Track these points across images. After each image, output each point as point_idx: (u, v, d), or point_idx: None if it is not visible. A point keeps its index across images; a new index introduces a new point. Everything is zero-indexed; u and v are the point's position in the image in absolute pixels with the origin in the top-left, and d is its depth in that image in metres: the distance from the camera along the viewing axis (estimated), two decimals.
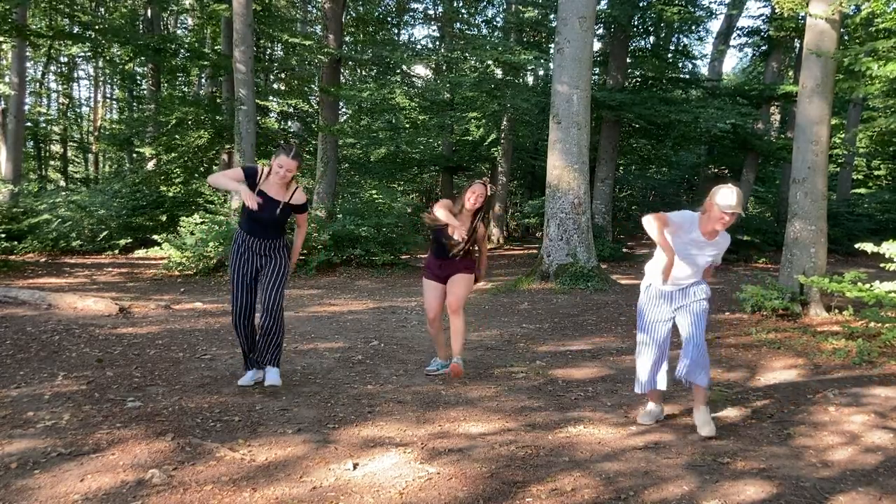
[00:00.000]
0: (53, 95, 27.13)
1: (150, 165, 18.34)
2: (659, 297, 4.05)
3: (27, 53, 17.75)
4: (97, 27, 17.19)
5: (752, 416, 4.31)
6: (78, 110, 27.88)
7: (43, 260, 12.96)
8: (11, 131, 15.03)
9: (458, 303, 4.92)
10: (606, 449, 3.68)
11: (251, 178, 4.38)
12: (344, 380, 4.93)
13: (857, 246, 6.49)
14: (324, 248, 12.03)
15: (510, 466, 3.39)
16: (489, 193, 4.87)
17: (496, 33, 20.11)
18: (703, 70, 24.76)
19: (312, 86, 20.88)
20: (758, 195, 22.63)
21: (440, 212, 4.77)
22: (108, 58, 21.92)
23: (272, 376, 4.53)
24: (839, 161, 19.69)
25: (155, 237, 13.05)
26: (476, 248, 5.09)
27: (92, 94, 27.59)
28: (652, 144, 20.90)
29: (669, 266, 3.84)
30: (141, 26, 19.74)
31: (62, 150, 25.91)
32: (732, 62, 51.86)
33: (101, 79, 26.71)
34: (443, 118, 19.95)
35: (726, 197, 3.69)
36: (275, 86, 22.90)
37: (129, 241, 14.44)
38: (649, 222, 3.82)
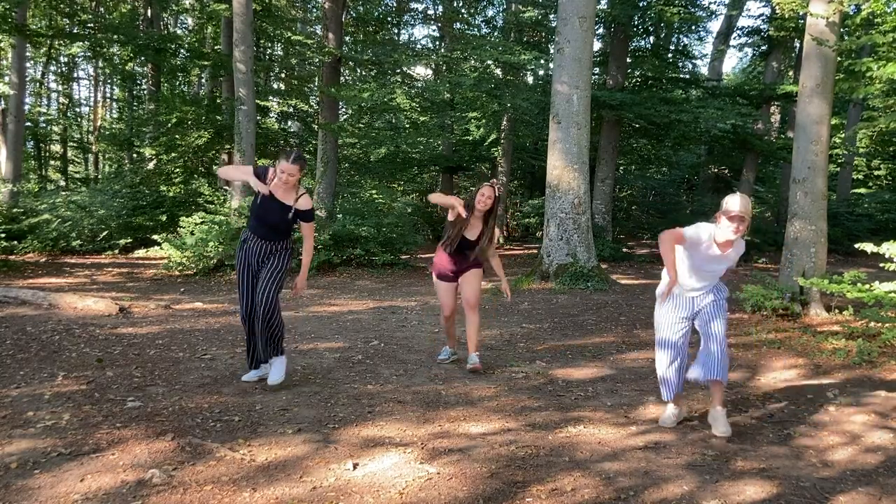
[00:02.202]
0: (53, 95, 27.11)
1: (150, 165, 18.33)
2: (676, 302, 4.05)
3: (27, 53, 17.73)
4: (97, 26, 17.18)
5: (752, 415, 4.32)
6: (78, 110, 27.86)
7: (43, 260, 12.95)
8: (11, 131, 15.01)
9: (476, 297, 5.19)
10: (606, 449, 3.68)
11: (261, 177, 4.52)
12: (344, 380, 4.93)
13: (857, 246, 6.49)
14: (324, 248, 12.03)
15: (510, 466, 3.39)
16: (497, 195, 5.05)
17: (496, 33, 20.09)
18: (703, 70, 24.76)
19: (312, 86, 20.87)
20: (758, 195, 22.63)
21: (437, 197, 5.22)
22: (108, 58, 21.90)
23: (275, 376, 4.55)
24: (839, 161, 19.68)
25: (155, 237, 13.03)
26: (489, 245, 5.19)
27: (92, 94, 27.58)
28: (652, 144, 20.90)
29: (669, 288, 3.91)
30: (141, 26, 19.72)
31: (62, 150, 25.88)
32: (732, 62, 51.89)
33: (101, 79, 26.68)
34: (443, 118, 19.92)
35: (731, 202, 3.76)
36: (275, 86, 22.89)
37: (129, 241, 14.42)
38: (662, 242, 3.87)
